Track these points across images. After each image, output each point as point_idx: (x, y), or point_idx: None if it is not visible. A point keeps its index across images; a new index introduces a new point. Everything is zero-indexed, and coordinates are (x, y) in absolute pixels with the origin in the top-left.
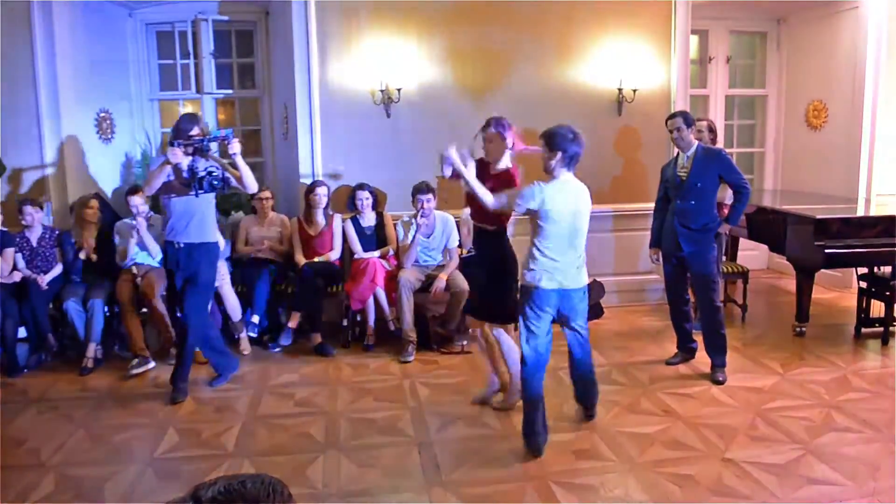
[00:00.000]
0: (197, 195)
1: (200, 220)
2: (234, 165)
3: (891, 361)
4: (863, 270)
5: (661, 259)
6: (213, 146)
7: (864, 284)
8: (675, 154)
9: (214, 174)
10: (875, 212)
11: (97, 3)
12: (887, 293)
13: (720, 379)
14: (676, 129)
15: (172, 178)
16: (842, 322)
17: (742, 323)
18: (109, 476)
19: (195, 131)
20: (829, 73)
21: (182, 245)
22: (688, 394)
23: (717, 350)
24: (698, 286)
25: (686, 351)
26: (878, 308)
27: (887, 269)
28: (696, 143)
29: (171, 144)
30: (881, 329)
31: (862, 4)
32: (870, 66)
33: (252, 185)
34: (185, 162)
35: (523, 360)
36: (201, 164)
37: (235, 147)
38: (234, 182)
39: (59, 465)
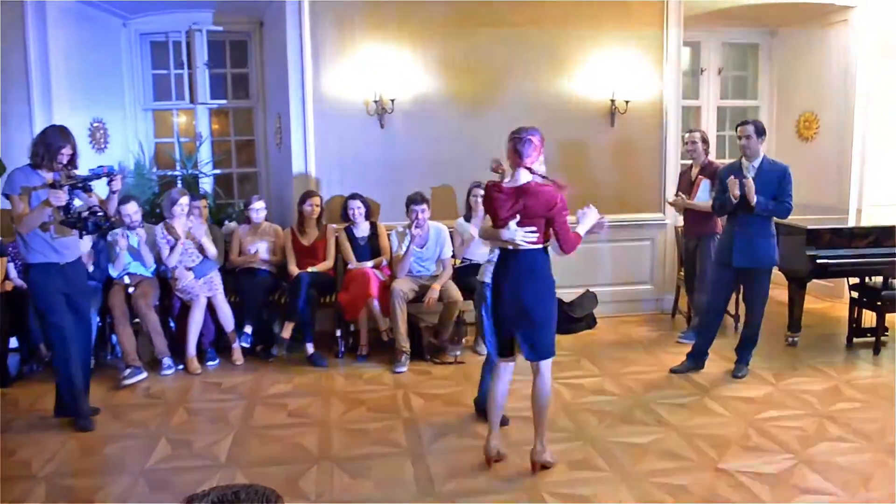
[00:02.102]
0: (81, 237)
1: (75, 237)
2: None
3: (882, 371)
4: (854, 280)
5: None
6: (97, 183)
7: (855, 294)
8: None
9: (98, 214)
10: (866, 222)
11: (91, 12)
12: (878, 303)
13: (740, 374)
14: (746, 137)
15: (51, 217)
16: (833, 332)
17: (735, 333)
18: (101, 487)
19: (67, 149)
20: (820, 85)
21: (67, 263)
22: (681, 404)
23: (749, 351)
24: (752, 297)
25: (697, 360)
26: (869, 318)
27: (878, 280)
28: (763, 154)
29: (50, 173)
30: (872, 339)
31: (852, 18)
32: (860, 78)
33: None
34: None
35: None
36: (77, 201)
37: (118, 184)
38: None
39: (50, 475)
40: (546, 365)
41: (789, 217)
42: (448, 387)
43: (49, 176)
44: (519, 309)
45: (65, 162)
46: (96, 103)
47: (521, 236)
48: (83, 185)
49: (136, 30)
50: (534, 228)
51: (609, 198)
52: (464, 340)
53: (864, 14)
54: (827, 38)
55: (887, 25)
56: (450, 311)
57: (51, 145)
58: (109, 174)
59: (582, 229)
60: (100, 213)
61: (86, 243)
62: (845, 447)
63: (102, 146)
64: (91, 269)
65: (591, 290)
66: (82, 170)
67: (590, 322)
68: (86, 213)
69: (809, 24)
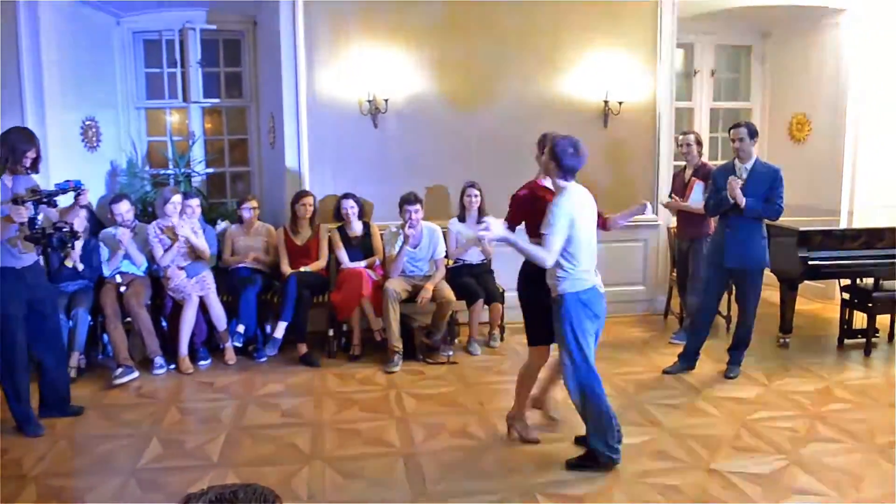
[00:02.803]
0: (45, 252)
1: None
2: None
3: (873, 372)
4: (845, 282)
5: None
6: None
7: (846, 296)
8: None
9: (63, 229)
10: (857, 224)
11: (84, 11)
12: (869, 304)
13: (732, 375)
14: (739, 139)
15: (17, 232)
16: (825, 333)
17: (727, 334)
18: (91, 487)
19: (31, 152)
20: (812, 86)
21: (25, 267)
22: (673, 405)
23: (741, 351)
24: (744, 299)
25: (689, 361)
26: (860, 319)
27: (869, 281)
28: (755, 156)
29: (11, 176)
30: (863, 340)
31: (844, 20)
32: (852, 80)
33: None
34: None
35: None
36: (43, 216)
37: (85, 199)
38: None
39: (40, 475)
40: (530, 351)
41: (782, 218)
42: (441, 387)
43: (10, 181)
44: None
45: (28, 165)
46: (89, 101)
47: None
48: (48, 199)
49: (130, 28)
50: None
51: (602, 199)
52: (456, 341)
53: (855, 16)
54: (819, 40)
55: (878, 28)
56: (442, 311)
57: (15, 148)
58: (76, 188)
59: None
60: (65, 229)
61: (77, 242)
62: (836, 448)
63: (95, 144)
64: (81, 268)
65: None
66: (62, 178)
67: None
68: (50, 229)
69: (801, 27)
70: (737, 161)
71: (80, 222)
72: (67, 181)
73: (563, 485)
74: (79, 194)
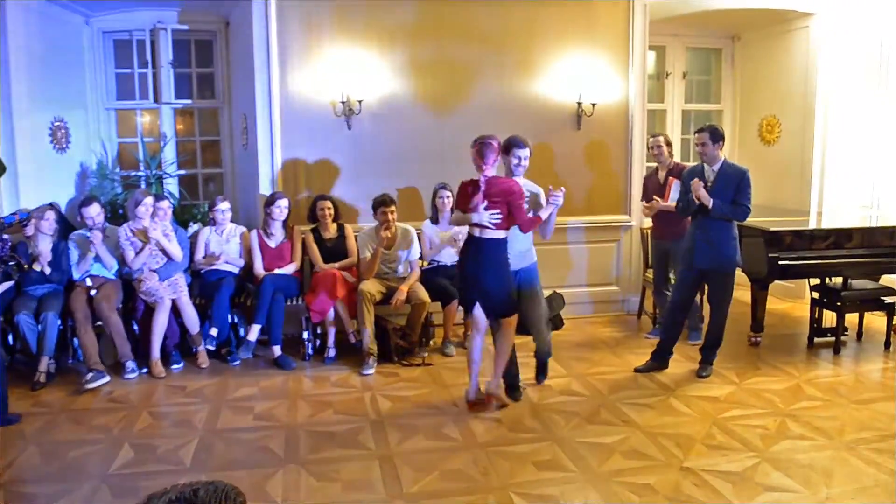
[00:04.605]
0: None
1: None
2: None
3: (842, 370)
4: (815, 281)
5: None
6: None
7: (816, 295)
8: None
9: (10, 263)
10: (826, 224)
11: (53, 10)
12: (838, 304)
13: (705, 374)
14: (702, 144)
15: None
16: (795, 332)
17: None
18: (62, 493)
19: None
20: (781, 89)
21: None
22: (646, 404)
23: (713, 351)
24: (716, 299)
25: (660, 360)
26: (829, 318)
27: (838, 280)
28: (723, 158)
29: None
30: (833, 339)
31: (812, 24)
32: (821, 83)
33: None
34: None
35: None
36: None
37: (31, 229)
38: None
39: (10, 482)
40: (506, 321)
41: (752, 219)
42: (416, 388)
43: None
44: (478, 288)
45: None
46: (58, 102)
47: (487, 217)
48: None
49: (100, 28)
50: (497, 211)
51: (576, 200)
52: (431, 342)
53: (823, 20)
54: (788, 43)
55: (846, 31)
56: (417, 313)
57: None
58: (21, 221)
59: (544, 213)
60: (11, 263)
61: (45, 244)
62: (806, 445)
63: (64, 146)
64: (49, 271)
65: (558, 291)
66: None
67: (557, 323)
68: None
69: (771, 30)
70: (705, 165)
71: (46, 243)
72: (13, 214)
73: (538, 485)
74: (25, 225)
